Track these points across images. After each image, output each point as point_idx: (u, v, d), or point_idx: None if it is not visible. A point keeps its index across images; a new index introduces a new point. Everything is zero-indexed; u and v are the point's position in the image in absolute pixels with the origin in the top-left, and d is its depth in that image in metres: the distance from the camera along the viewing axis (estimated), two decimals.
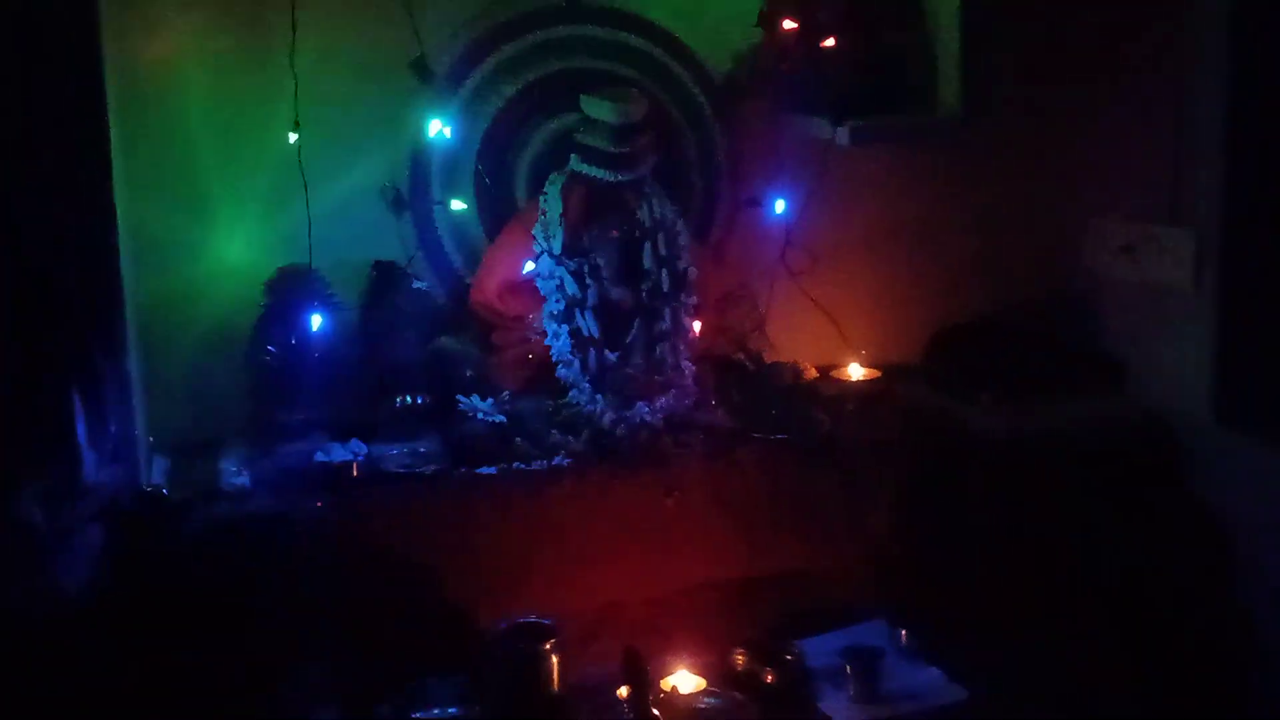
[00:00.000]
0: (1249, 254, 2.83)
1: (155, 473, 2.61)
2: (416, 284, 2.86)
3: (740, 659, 2.50)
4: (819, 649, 2.55)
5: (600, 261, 2.80)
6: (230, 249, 2.81)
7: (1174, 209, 2.93)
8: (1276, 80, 2.76)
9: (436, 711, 2.40)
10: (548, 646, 2.43)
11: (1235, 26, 2.76)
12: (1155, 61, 2.93)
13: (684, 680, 2.46)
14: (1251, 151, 2.80)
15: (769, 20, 2.96)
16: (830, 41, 2.92)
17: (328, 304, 2.75)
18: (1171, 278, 2.93)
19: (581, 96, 2.79)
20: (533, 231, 2.82)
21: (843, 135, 2.90)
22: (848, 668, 2.47)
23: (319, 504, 2.50)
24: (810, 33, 2.93)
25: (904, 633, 2.61)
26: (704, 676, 2.48)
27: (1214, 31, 2.80)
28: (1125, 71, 3.02)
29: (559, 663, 2.43)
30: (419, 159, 2.89)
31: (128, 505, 2.46)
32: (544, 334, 2.82)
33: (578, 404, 2.77)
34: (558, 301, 2.80)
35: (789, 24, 2.92)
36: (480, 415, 2.72)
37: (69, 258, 2.41)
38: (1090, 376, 3.11)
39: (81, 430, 2.44)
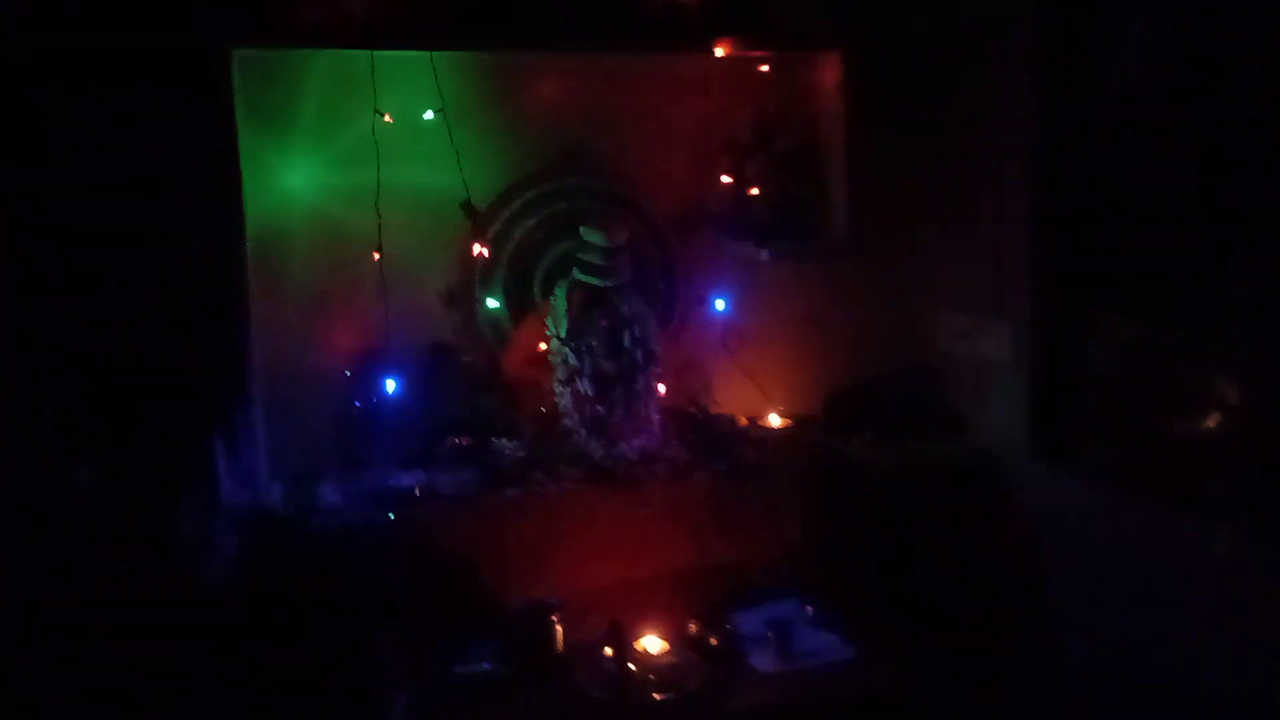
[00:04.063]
0: (1049, 341, 2.82)
1: (273, 495, 2.56)
2: (463, 359, 2.82)
3: (693, 627, 2.45)
4: (749, 620, 2.50)
5: (593, 342, 2.77)
6: (330, 335, 2.75)
7: (997, 306, 2.92)
8: (1064, 218, 2.76)
9: (473, 666, 2.34)
10: (554, 619, 2.39)
11: (1036, 181, 2.77)
12: (980, 201, 2.92)
13: (652, 643, 2.41)
14: (1048, 266, 2.80)
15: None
16: (755, 191, 2.91)
17: (400, 373, 2.71)
18: (996, 355, 2.92)
19: (580, 227, 2.79)
20: (545, 321, 2.80)
21: (764, 254, 2.89)
22: (770, 634, 2.42)
23: (391, 517, 2.46)
24: (742, 184, 2.92)
25: (810, 608, 2.56)
26: (667, 640, 2.43)
27: (1018, 182, 2.81)
28: (960, 207, 3.01)
29: (562, 631, 2.39)
30: (466, 270, 2.85)
31: (253, 519, 2.42)
32: (554, 394, 2.79)
33: (578, 444, 2.74)
34: (563, 370, 2.77)
35: (726, 178, 2.91)
36: (508, 452, 2.69)
37: (215, 343, 2.41)
38: (940, 424, 3.08)
39: (221, 465, 2.42)
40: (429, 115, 2.70)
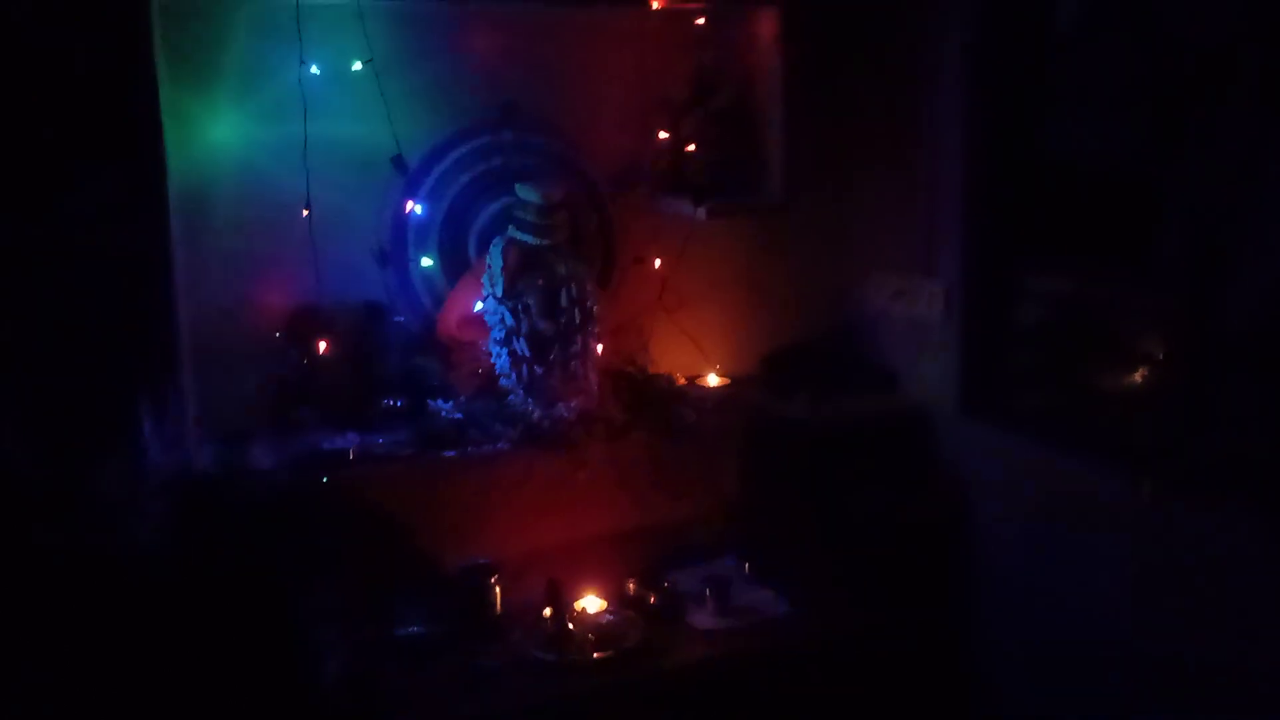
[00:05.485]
0: (980, 298, 2.86)
1: (203, 457, 2.49)
2: (397, 319, 2.77)
3: (631, 586, 2.47)
4: (687, 578, 2.52)
5: (530, 302, 2.73)
6: (260, 294, 2.68)
7: (929, 265, 2.95)
8: (996, 176, 2.79)
9: (411, 629, 2.32)
10: (492, 580, 2.39)
11: (968, 141, 2.79)
12: (914, 161, 2.94)
13: (591, 603, 2.42)
14: (979, 227, 2.84)
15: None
16: (691, 147, 2.89)
17: (332, 333, 2.65)
18: (928, 314, 2.96)
19: (516, 184, 2.74)
20: (481, 280, 2.75)
21: (701, 212, 2.87)
22: (707, 591, 2.44)
23: (324, 479, 2.41)
24: (678, 141, 2.90)
25: (747, 565, 2.58)
26: (605, 600, 2.43)
27: (951, 142, 2.82)
28: (894, 169, 3.03)
29: (500, 592, 2.38)
30: (398, 228, 2.80)
31: (182, 481, 2.36)
32: (490, 354, 2.75)
33: (515, 404, 2.70)
34: (499, 331, 2.73)
35: (663, 134, 2.89)
36: (444, 413, 2.65)
37: (139, 300, 2.33)
38: (873, 381, 3.12)
39: (148, 426, 2.35)
40: (358, 66, 2.62)
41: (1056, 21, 2.69)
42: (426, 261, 2.82)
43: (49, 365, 2.26)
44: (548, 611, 2.33)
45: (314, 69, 2.57)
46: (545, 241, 2.72)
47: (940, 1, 2.82)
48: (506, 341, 2.72)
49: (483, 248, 2.83)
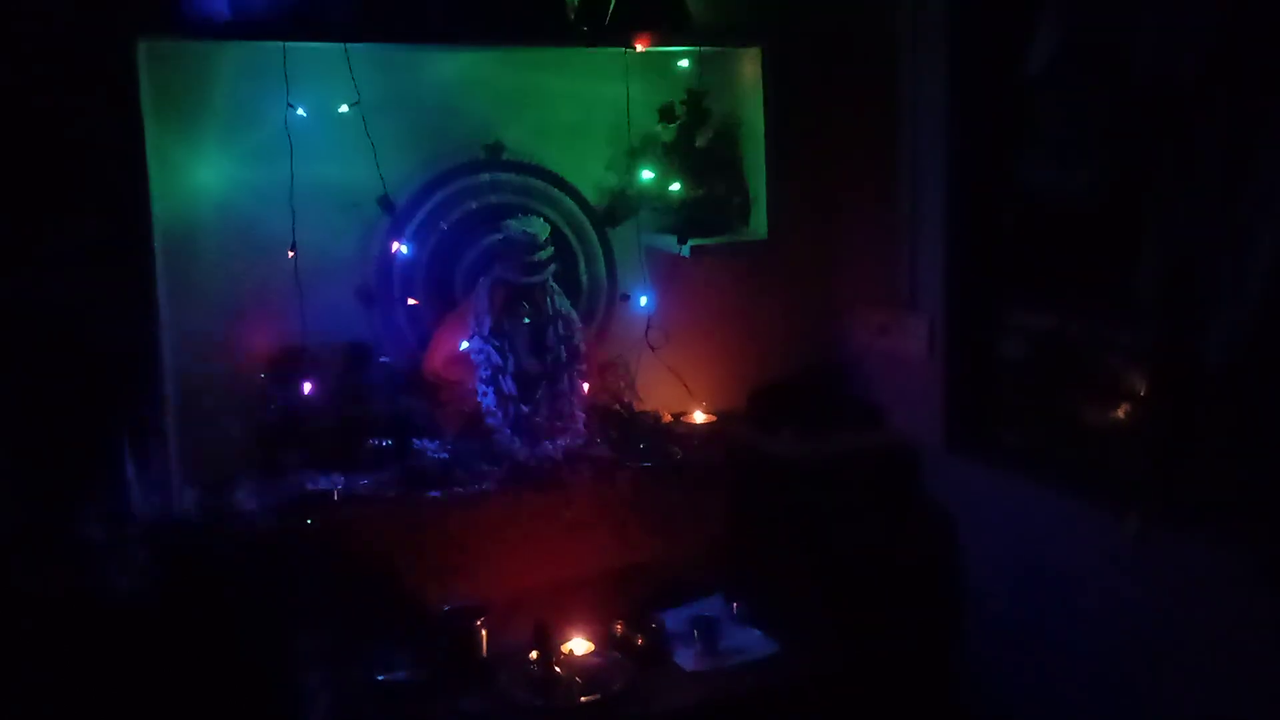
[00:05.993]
0: (963, 333, 2.87)
1: (186, 501, 2.47)
2: (382, 359, 2.76)
3: (619, 627, 2.45)
4: (674, 619, 2.51)
5: (516, 340, 2.74)
6: (245, 335, 2.67)
7: (913, 301, 2.96)
8: (977, 212, 2.81)
9: (396, 673, 2.30)
10: (478, 623, 2.37)
11: (950, 179, 2.81)
12: (896, 198, 2.96)
13: (578, 644, 2.40)
14: (962, 263, 2.84)
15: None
16: (676, 187, 2.91)
17: (317, 374, 2.63)
18: (913, 349, 2.96)
19: (502, 223, 2.74)
20: (467, 319, 2.75)
21: (686, 250, 2.88)
22: (695, 632, 2.43)
23: (309, 522, 2.39)
24: (662, 180, 2.91)
25: (734, 605, 2.57)
26: (593, 641, 2.41)
27: (933, 186, 2.84)
28: (877, 205, 3.04)
29: (487, 635, 2.36)
30: (384, 268, 2.79)
31: (166, 527, 2.34)
32: (476, 393, 2.73)
33: (501, 444, 2.69)
34: (486, 369, 2.72)
35: (647, 174, 2.90)
36: (429, 453, 2.64)
37: (125, 347, 2.32)
38: (859, 417, 3.11)
39: (131, 470, 2.34)
40: (344, 109, 2.63)
41: (1032, 60, 2.71)
42: (412, 301, 2.81)
43: (32, 408, 2.25)
44: (535, 654, 2.30)
45: (300, 111, 2.57)
46: (531, 279, 2.72)
47: (920, 41, 2.85)
48: (493, 380, 2.72)
49: (469, 286, 2.82)
